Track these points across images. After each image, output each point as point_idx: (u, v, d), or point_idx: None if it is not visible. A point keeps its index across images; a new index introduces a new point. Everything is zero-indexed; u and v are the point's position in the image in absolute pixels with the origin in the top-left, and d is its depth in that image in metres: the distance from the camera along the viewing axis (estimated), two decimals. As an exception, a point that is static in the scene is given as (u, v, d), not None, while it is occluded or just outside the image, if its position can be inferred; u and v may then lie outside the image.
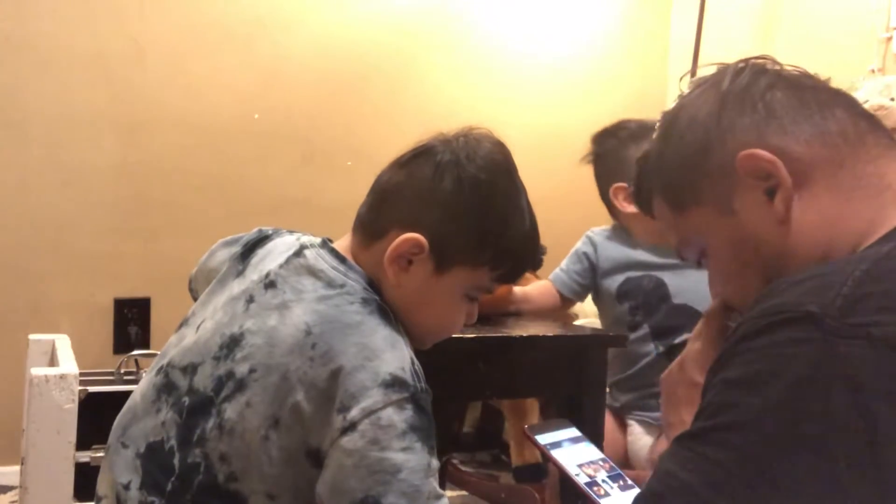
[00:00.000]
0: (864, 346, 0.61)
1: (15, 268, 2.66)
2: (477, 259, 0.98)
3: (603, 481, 1.03)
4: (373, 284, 0.97)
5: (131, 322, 2.76)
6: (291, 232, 1.08)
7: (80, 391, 1.55)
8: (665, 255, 1.74)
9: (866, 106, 3.07)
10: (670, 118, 0.86)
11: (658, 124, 0.88)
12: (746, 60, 0.84)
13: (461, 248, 0.97)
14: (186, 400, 0.96)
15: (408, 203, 0.97)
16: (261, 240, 1.07)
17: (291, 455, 0.90)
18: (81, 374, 1.58)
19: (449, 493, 2.47)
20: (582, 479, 1.03)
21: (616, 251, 1.84)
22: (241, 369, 0.93)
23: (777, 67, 0.83)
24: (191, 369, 0.97)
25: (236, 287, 1.01)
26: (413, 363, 0.92)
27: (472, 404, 3.02)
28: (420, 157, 0.99)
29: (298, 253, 1.00)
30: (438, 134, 1.03)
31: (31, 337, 1.97)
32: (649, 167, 0.89)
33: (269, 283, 0.98)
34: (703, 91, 0.84)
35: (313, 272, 0.97)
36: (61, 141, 2.70)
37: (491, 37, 3.22)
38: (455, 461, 2.73)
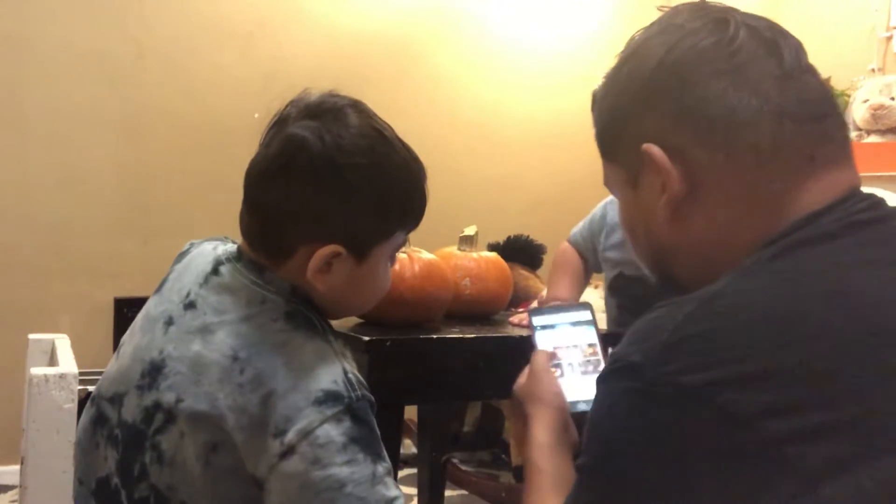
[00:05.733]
0: (674, 394, 0.61)
1: (15, 268, 2.66)
2: (389, 230, 0.96)
3: (569, 365, 1.00)
4: (295, 292, 0.94)
5: (131, 322, 2.75)
6: (211, 240, 1.04)
7: (80, 391, 1.55)
8: None
9: (865, 105, 3.02)
10: (622, 60, 0.81)
11: (617, 57, 0.82)
12: (708, 15, 0.76)
13: (373, 233, 0.95)
14: (118, 433, 0.94)
15: (307, 219, 0.92)
16: (182, 254, 1.04)
17: (236, 475, 0.87)
18: (81, 374, 1.58)
19: (449, 492, 2.47)
20: None
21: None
22: (168, 399, 0.90)
23: (738, 35, 0.74)
24: (117, 400, 0.95)
25: (153, 306, 0.98)
26: (346, 373, 0.89)
27: (472, 404, 3.02)
28: (294, 163, 0.92)
29: (215, 270, 0.96)
30: (288, 114, 0.95)
31: (31, 337, 1.96)
32: (594, 104, 0.86)
33: (189, 304, 0.94)
34: (655, 37, 0.78)
35: (232, 290, 0.93)
36: (61, 141, 2.70)
37: (491, 34, 3.22)
38: (455, 461, 2.73)
